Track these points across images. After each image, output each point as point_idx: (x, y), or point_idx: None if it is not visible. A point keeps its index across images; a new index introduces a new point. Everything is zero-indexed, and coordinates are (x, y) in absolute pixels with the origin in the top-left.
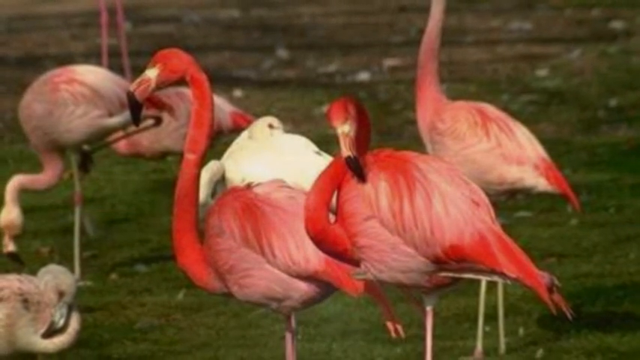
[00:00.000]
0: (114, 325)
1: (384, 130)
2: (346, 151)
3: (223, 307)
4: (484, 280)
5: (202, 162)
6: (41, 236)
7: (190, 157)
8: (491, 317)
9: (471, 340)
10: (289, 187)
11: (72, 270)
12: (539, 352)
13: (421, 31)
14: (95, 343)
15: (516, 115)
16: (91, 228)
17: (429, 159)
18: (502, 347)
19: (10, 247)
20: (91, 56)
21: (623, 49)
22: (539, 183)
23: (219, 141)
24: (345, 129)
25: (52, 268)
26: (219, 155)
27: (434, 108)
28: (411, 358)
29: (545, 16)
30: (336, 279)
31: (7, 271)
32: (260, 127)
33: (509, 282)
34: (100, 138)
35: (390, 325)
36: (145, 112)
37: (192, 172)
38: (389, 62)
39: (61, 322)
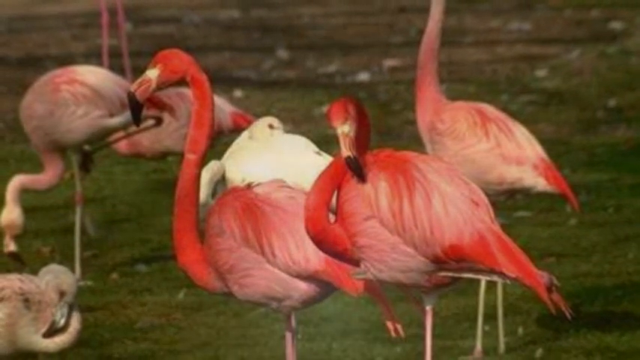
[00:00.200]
0: (114, 324)
1: (384, 131)
2: (346, 151)
3: (224, 306)
4: (483, 279)
5: (203, 162)
6: (42, 236)
7: (191, 157)
8: (490, 317)
9: (470, 340)
10: (289, 187)
11: (73, 270)
12: (539, 352)
13: (421, 32)
14: (96, 342)
15: (515, 116)
16: (92, 228)
17: (429, 159)
18: (501, 347)
19: (11, 246)
20: (92, 57)
21: (622, 49)
22: (539, 183)
23: (219, 141)
24: (345, 129)
25: (53, 267)
26: (219, 155)
27: (433, 108)
28: (410, 357)
29: (544, 17)
30: (336, 279)
31: (9, 271)
32: (260, 127)
33: (508, 282)
34: (100, 138)
35: (389, 324)
36: (145, 112)
37: (193, 172)
38: (389, 62)
39: (62, 321)
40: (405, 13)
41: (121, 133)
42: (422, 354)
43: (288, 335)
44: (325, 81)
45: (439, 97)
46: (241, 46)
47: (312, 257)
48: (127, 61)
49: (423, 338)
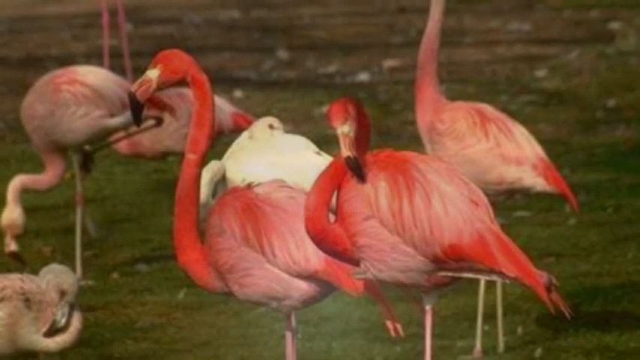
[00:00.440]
0: (115, 324)
1: (384, 131)
2: (346, 151)
3: (224, 306)
4: (483, 279)
5: (203, 162)
6: (43, 236)
7: (191, 157)
8: (490, 316)
9: (469, 339)
10: (289, 187)
11: (73, 269)
12: (538, 351)
13: (420, 32)
14: (96, 342)
15: (515, 116)
16: (93, 228)
17: (429, 159)
18: (501, 346)
19: (12, 246)
20: (92, 57)
21: (621, 50)
22: (538, 183)
23: (219, 141)
24: (344, 129)
25: (54, 267)
26: (219, 155)
27: (433, 108)
28: (410, 356)
29: (543, 17)
30: (336, 278)
31: (9, 271)
32: (260, 127)
33: (508, 281)
34: (101, 138)
35: (389, 324)
36: (146, 112)
37: (193, 172)
38: (389, 63)
39: (63, 321)
40: (405, 14)
41: (121, 134)
42: (421, 353)
43: (288, 335)
44: (325, 81)
45: (439, 98)
46: (241, 46)
47: (312, 257)
48: (127, 62)
49: (422, 338)
